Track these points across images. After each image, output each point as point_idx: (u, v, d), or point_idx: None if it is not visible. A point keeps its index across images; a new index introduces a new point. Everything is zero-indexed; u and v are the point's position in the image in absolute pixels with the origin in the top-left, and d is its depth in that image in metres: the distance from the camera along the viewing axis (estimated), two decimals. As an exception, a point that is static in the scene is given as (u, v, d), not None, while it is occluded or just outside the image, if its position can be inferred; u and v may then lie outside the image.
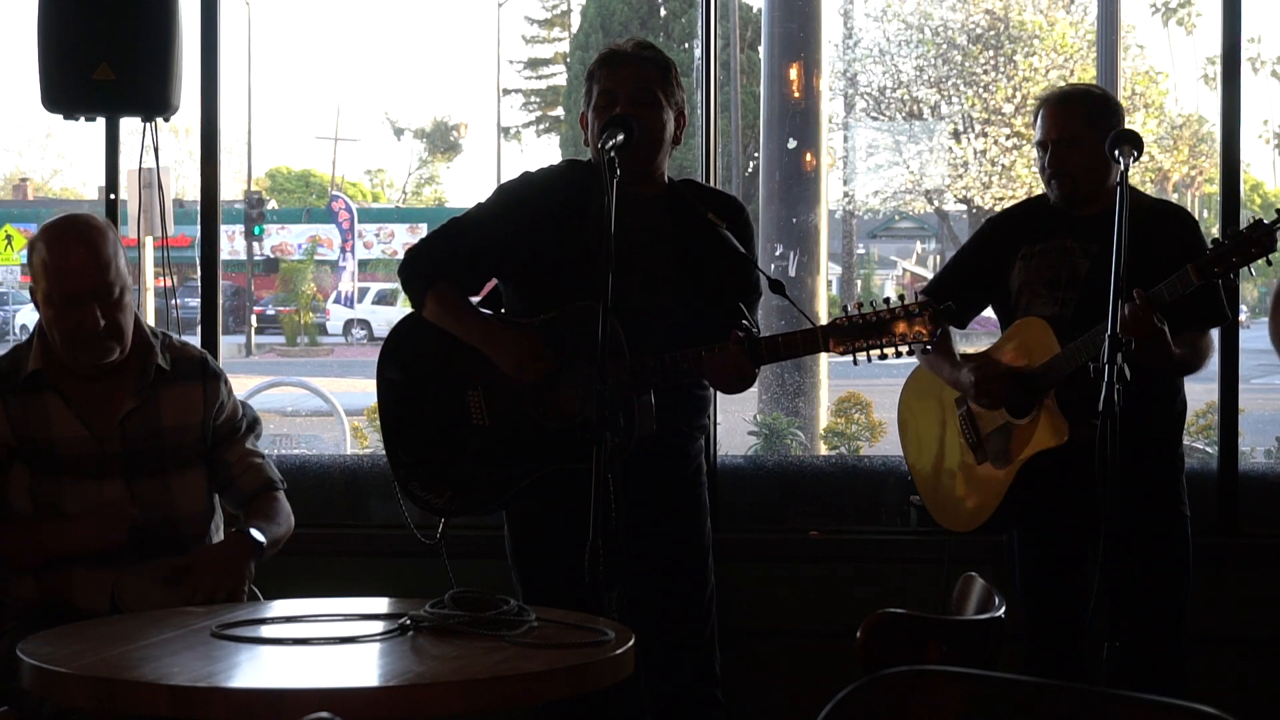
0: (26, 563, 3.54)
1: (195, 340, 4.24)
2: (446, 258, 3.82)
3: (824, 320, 3.60)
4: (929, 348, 3.60)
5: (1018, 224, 4.23)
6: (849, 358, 3.53)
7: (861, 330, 3.49)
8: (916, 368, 4.38)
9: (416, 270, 3.83)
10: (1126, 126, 3.97)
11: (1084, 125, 4.02)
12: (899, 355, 3.54)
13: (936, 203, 21.16)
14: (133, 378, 3.62)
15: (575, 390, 3.63)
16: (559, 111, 29.88)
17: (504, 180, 3.97)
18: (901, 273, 27.12)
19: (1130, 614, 3.92)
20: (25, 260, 3.65)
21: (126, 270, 3.59)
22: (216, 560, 3.48)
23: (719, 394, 4.13)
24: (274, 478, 3.75)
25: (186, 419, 3.66)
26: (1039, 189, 4.22)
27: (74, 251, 3.51)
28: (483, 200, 3.90)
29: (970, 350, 4.27)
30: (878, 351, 3.51)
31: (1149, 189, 19.60)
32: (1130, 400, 3.43)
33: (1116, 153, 3.75)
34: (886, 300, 3.52)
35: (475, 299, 3.91)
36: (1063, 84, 4.30)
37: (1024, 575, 4.14)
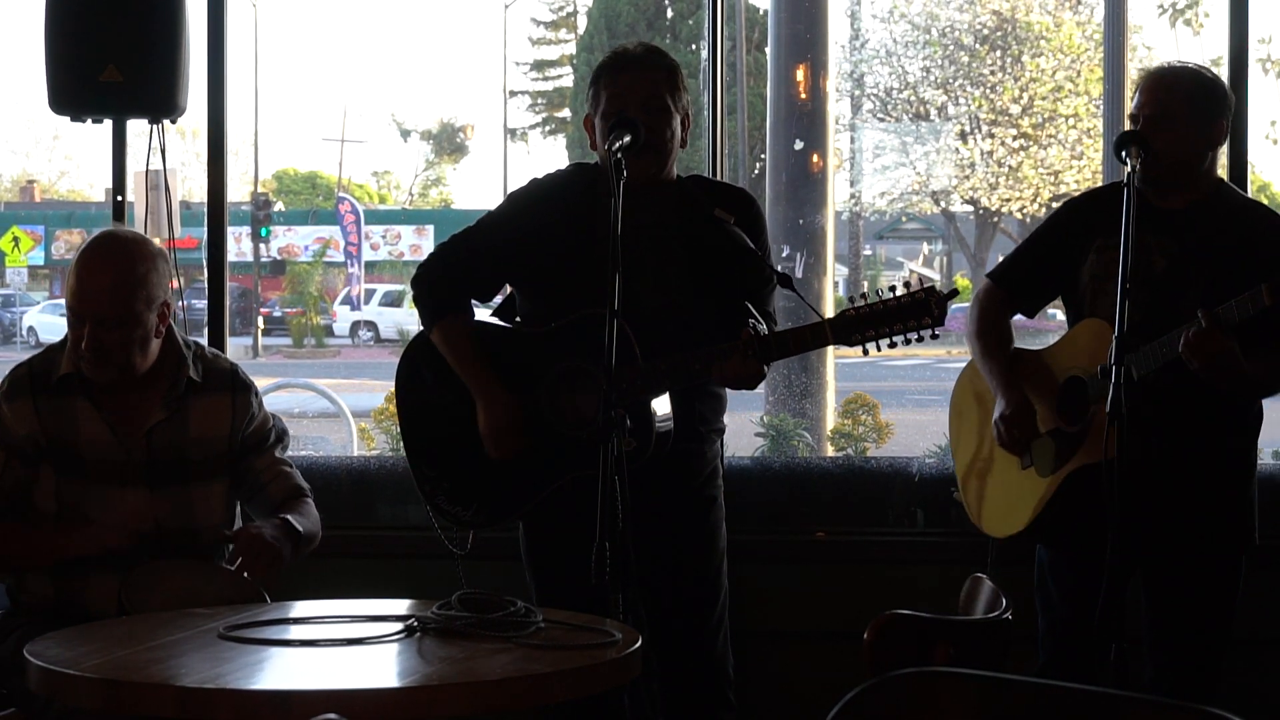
0: (41, 563, 3.56)
1: (202, 341, 4.25)
2: (459, 268, 3.82)
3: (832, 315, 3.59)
4: (936, 334, 3.50)
5: (1097, 211, 3.89)
6: (858, 349, 3.52)
7: (868, 320, 3.48)
8: (966, 366, 4.16)
9: (428, 297, 3.83)
10: (1130, 128, 3.79)
11: (1182, 106, 3.74)
12: (907, 343, 3.52)
13: (943, 204, 21.15)
14: (163, 389, 3.63)
15: (593, 396, 3.62)
16: (565, 113, 29.88)
17: (511, 184, 4.00)
18: (908, 274, 27.10)
19: (1172, 635, 3.79)
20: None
21: (155, 297, 3.57)
22: (259, 535, 3.49)
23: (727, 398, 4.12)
24: (302, 486, 3.77)
25: (214, 431, 3.67)
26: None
27: (88, 272, 3.53)
28: (493, 209, 3.91)
29: (1027, 348, 4.03)
30: (886, 341, 3.50)
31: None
32: (1204, 416, 3.27)
33: (1123, 154, 3.63)
34: (891, 289, 3.50)
35: (489, 306, 3.91)
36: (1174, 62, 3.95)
37: (1058, 589, 3.91)
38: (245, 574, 3.45)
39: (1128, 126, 3.83)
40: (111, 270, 3.53)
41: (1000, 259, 4.28)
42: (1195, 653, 3.85)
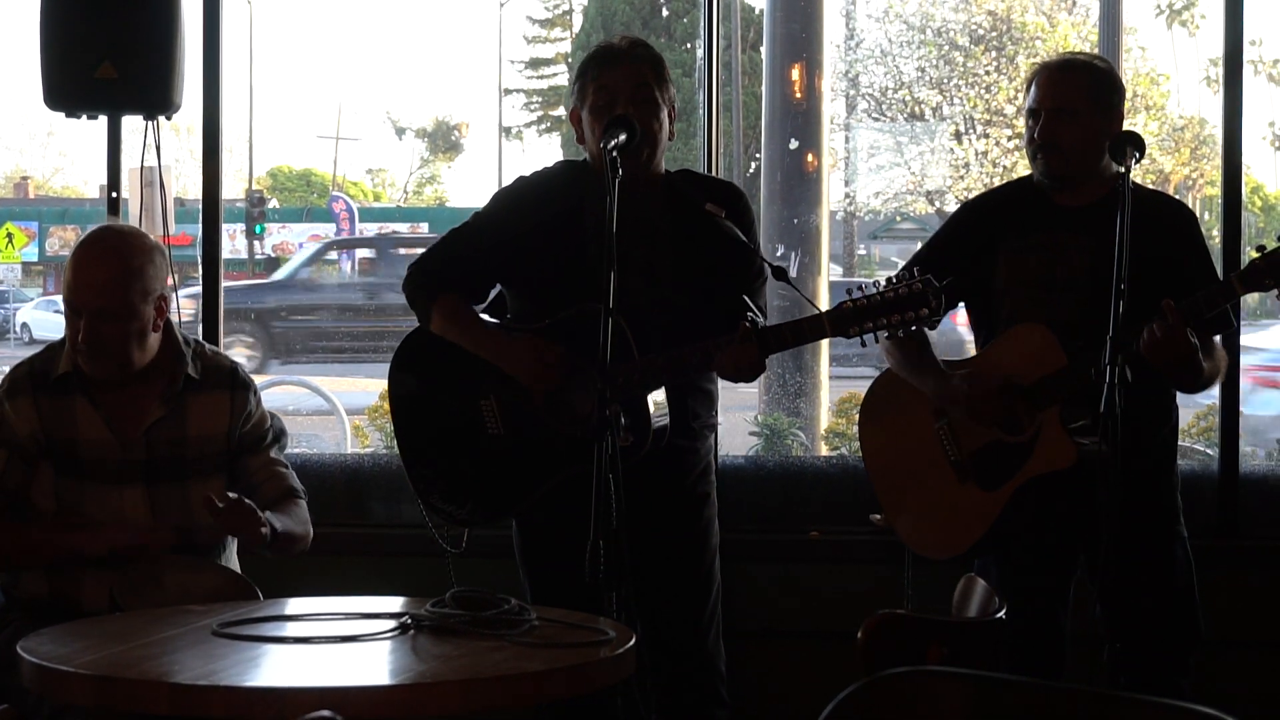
0: (41, 561, 3.56)
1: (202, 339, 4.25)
2: (449, 268, 3.82)
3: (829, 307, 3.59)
4: (933, 325, 3.47)
5: (999, 212, 3.86)
6: (856, 340, 3.52)
7: (866, 312, 3.48)
8: (879, 376, 4.05)
9: (420, 284, 3.82)
10: (1128, 128, 3.77)
11: (1085, 98, 3.71)
12: (903, 333, 3.52)
13: (938, 204, 21.13)
14: (162, 386, 3.63)
15: (587, 393, 3.62)
16: (560, 111, 29.87)
17: (506, 182, 3.97)
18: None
19: (1139, 637, 3.70)
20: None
21: (152, 290, 3.57)
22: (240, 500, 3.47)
23: (719, 395, 4.12)
24: (296, 487, 3.77)
25: (212, 429, 3.67)
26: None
27: (85, 265, 3.54)
28: (481, 208, 3.90)
29: (953, 358, 3.96)
30: (885, 332, 3.50)
31: (1150, 191, 19.53)
32: (1125, 418, 3.19)
33: (1121, 154, 3.60)
34: (888, 280, 3.50)
35: (480, 307, 3.91)
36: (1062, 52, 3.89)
37: (1007, 594, 3.68)
38: (225, 529, 3.47)
39: (1025, 121, 3.80)
40: (107, 263, 3.53)
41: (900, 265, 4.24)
42: (1161, 650, 3.78)
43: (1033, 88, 3.76)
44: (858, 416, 4.08)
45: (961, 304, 3.96)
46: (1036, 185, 3.79)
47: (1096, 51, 9.10)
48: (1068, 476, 3.64)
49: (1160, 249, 3.66)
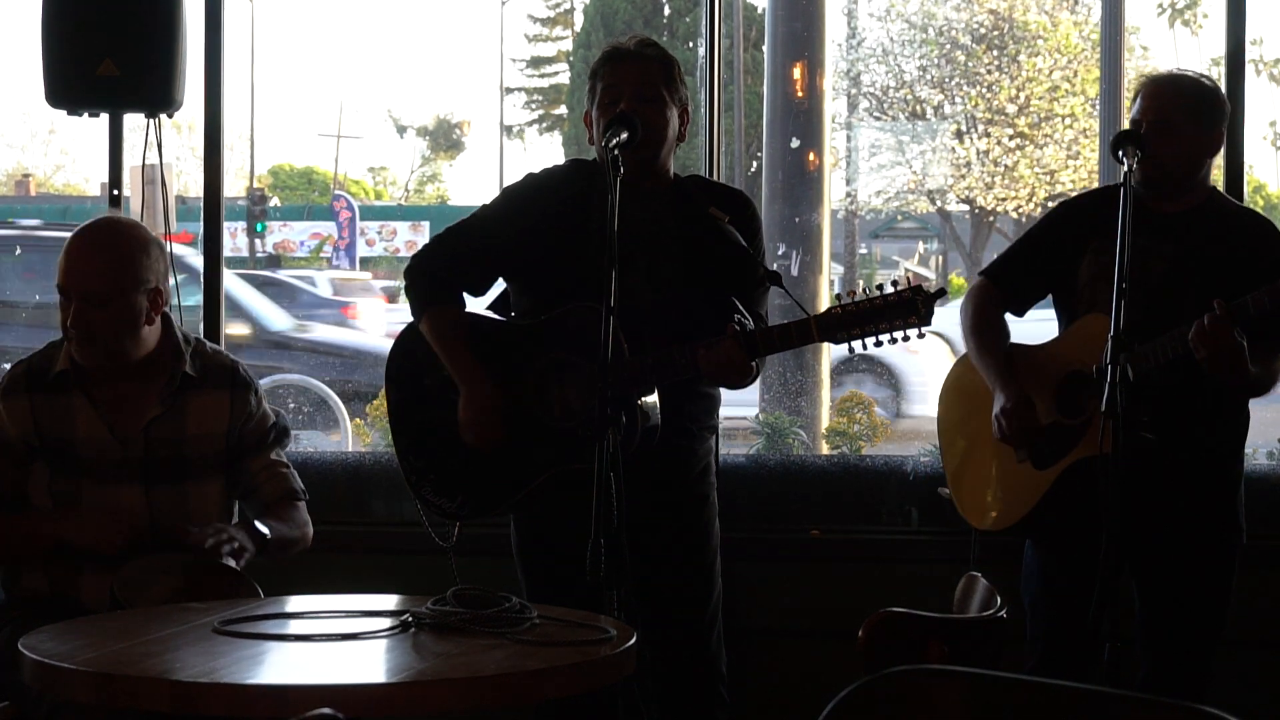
0: (33, 549, 3.55)
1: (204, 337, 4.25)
2: (452, 261, 3.82)
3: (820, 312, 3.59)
4: (922, 334, 3.50)
5: (1094, 212, 3.94)
6: (844, 347, 3.52)
7: (855, 319, 3.47)
8: (960, 357, 4.17)
9: (419, 286, 3.82)
10: (1127, 128, 3.84)
11: (1186, 115, 3.78)
12: (894, 342, 3.52)
13: (939, 203, 21.14)
14: (160, 384, 3.63)
15: (580, 390, 3.62)
16: (562, 110, 29.88)
17: (507, 181, 3.98)
18: (904, 273, 27.12)
19: (1166, 632, 3.83)
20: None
21: (144, 280, 3.57)
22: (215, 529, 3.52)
23: (721, 396, 4.11)
24: (297, 488, 3.77)
25: (211, 428, 3.66)
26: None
27: (77, 250, 3.54)
28: (488, 202, 3.90)
29: (1026, 344, 4.02)
30: (873, 340, 3.50)
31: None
32: (1197, 416, 3.30)
33: (1120, 153, 3.66)
34: (879, 287, 3.50)
35: (483, 299, 3.91)
36: (1175, 70, 4.04)
37: (1045, 583, 3.93)
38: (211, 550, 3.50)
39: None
40: (99, 248, 3.54)
41: (995, 257, 4.28)
42: (1188, 651, 3.86)
43: (1137, 101, 3.85)
44: (939, 396, 4.22)
45: (1050, 296, 4.07)
46: (1134, 190, 3.80)
47: (1098, 51, 9.09)
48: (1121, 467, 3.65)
49: (1237, 264, 3.70)
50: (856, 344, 3.50)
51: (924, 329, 3.49)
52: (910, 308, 3.45)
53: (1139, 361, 3.57)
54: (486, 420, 3.67)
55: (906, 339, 3.52)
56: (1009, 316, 4.09)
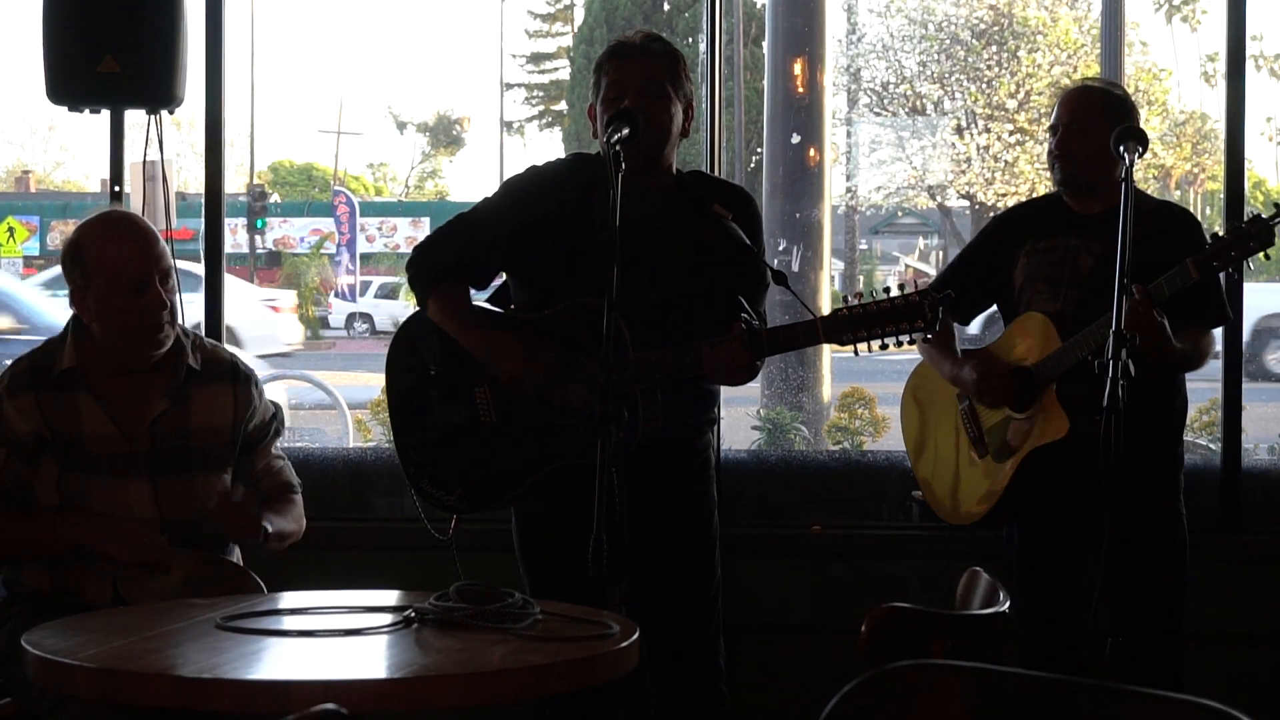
0: (47, 552, 3.55)
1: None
2: (453, 253, 3.82)
3: (826, 313, 3.60)
4: (929, 337, 3.56)
5: (1023, 221, 4.28)
6: (849, 349, 3.53)
7: (861, 321, 3.49)
8: (918, 364, 4.38)
9: (423, 268, 3.82)
10: (1129, 124, 3.93)
11: (1095, 115, 4.08)
12: (899, 345, 3.53)
13: (939, 198, 21.16)
14: (165, 378, 3.63)
15: (581, 385, 3.62)
16: (562, 106, 29.89)
17: (509, 175, 3.97)
18: (904, 268, 27.09)
19: (1129, 610, 3.92)
20: (62, 270, 3.66)
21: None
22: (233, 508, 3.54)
23: (720, 392, 4.12)
24: (293, 481, 3.79)
25: (216, 421, 3.67)
26: (1041, 186, 4.26)
27: (130, 240, 3.56)
28: (490, 195, 3.90)
29: (972, 348, 4.26)
30: (878, 343, 3.51)
31: (1152, 186, 19.60)
32: (1131, 397, 3.39)
33: (1121, 148, 3.73)
34: (886, 290, 3.50)
35: (483, 294, 3.91)
36: (1087, 79, 4.54)
37: (1022, 569, 4.15)
38: (225, 532, 3.54)
39: (1047, 137, 4.21)
40: (141, 232, 3.60)
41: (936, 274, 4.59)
42: (1155, 614, 4.01)
43: (1055, 108, 4.22)
44: (901, 404, 4.48)
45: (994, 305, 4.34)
46: (1058, 197, 4.21)
47: (1098, 46, 9.09)
48: (1074, 453, 3.88)
49: (1163, 255, 3.84)
50: (861, 346, 3.51)
51: (929, 333, 3.52)
52: (916, 311, 3.47)
53: (1074, 350, 3.88)
54: (531, 359, 3.65)
55: (912, 342, 3.55)
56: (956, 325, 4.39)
